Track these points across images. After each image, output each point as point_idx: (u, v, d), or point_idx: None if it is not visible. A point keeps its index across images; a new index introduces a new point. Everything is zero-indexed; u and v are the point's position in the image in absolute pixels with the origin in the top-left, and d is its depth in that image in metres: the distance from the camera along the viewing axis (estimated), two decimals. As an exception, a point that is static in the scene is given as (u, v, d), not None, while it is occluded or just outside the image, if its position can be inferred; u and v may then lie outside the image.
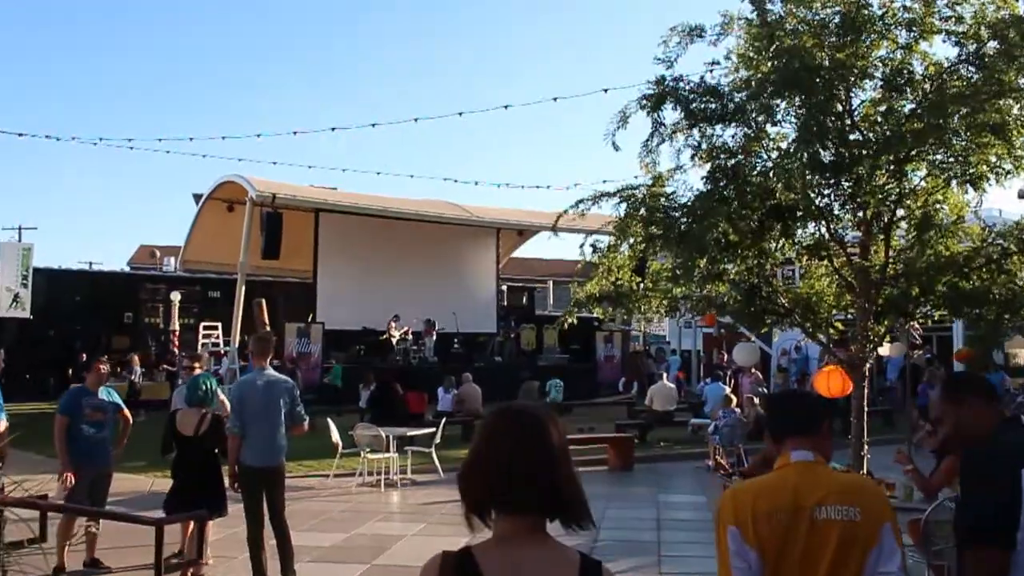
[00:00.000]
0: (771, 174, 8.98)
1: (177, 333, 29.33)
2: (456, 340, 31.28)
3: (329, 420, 15.32)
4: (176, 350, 28.81)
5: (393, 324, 29.12)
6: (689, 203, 9.20)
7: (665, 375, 20.71)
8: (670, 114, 10.09)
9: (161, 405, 23.23)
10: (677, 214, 9.29)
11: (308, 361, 26.64)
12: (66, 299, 29.88)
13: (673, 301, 10.51)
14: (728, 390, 19.69)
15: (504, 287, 36.06)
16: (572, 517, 2.17)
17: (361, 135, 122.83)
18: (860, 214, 10.02)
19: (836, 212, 9.88)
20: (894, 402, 24.53)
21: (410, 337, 29.35)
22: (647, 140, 10.23)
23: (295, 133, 24.05)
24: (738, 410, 16.12)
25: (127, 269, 40.71)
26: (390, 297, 29.50)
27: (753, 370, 20.66)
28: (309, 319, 28.68)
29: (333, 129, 20.64)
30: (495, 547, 2.14)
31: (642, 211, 10.51)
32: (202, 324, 27.94)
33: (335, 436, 14.83)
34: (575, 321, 13.28)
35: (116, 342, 29.53)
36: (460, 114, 18.02)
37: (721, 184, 8.84)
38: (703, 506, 12.89)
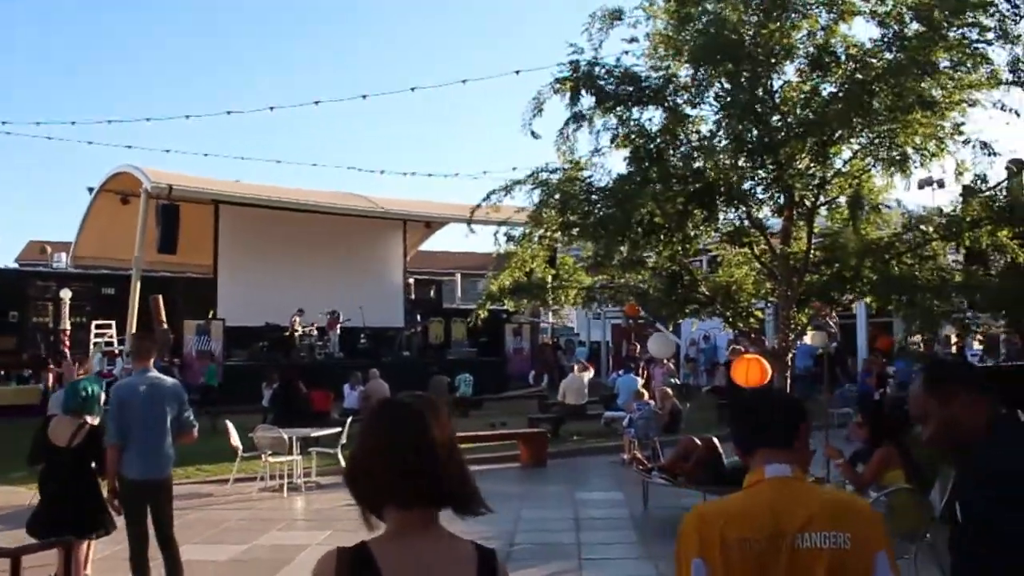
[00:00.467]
0: (695, 153, 8.49)
1: (68, 333, 27.83)
2: (363, 335, 30.41)
3: (228, 422, 14.44)
4: (67, 351, 27.36)
5: (297, 319, 28.15)
6: (609, 186, 8.65)
7: (576, 367, 20.18)
8: (586, 99, 9.57)
9: (30, 412, 21.99)
10: (596, 198, 8.74)
11: (209, 359, 25.50)
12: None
13: (589, 291, 9.97)
14: (641, 382, 19.36)
15: (411, 280, 35.27)
16: (463, 506, 2.17)
17: (260, 121, 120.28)
18: (782, 199, 9.60)
19: (759, 196, 9.45)
20: (803, 391, 24.49)
21: (315, 332, 28.42)
22: (563, 127, 9.70)
23: (187, 117, 22.82)
24: (652, 402, 15.71)
25: (15, 266, 38.56)
26: (294, 292, 28.51)
27: (666, 361, 20.33)
28: (209, 316, 27.50)
29: (229, 113, 19.44)
30: (390, 541, 2.11)
31: (557, 197, 9.95)
32: (94, 323, 26.55)
33: (234, 439, 13.96)
34: (486, 314, 12.67)
35: (0, 343, 27.87)
36: (364, 96, 16.87)
37: (645, 165, 8.31)
38: (620, 503, 12.40)
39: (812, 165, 9.22)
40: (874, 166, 9.29)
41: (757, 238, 10.22)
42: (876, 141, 8.83)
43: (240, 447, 13.88)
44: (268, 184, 29.08)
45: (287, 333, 28.30)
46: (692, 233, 9.06)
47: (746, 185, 9.22)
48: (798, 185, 9.04)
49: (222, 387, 25.10)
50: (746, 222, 9.98)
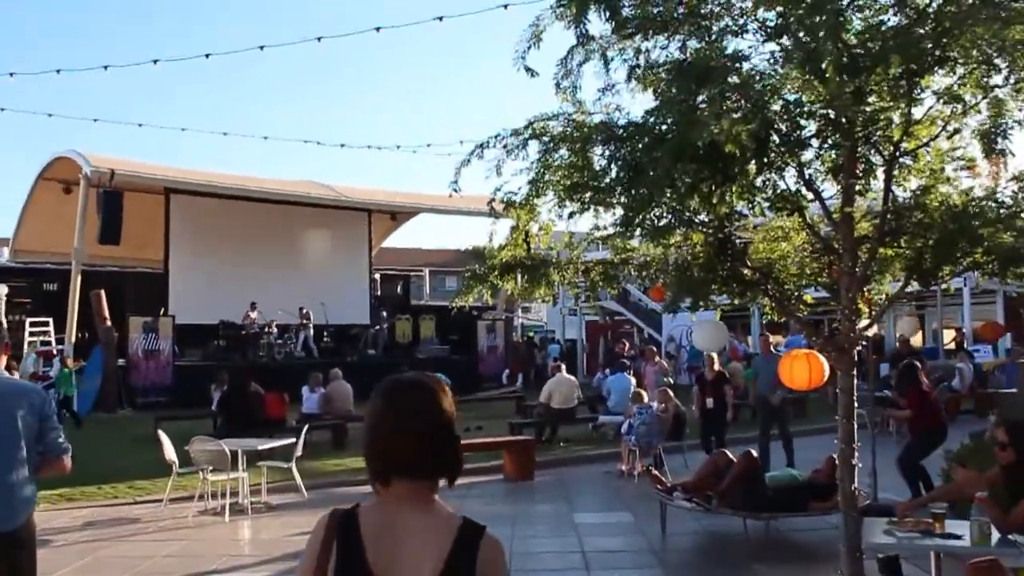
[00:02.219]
0: (757, 82, 6.20)
1: (27, 332, 25.17)
2: (326, 333, 27.99)
3: (160, 432, 11.98)
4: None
5: (252, 313, 25.64)
6: (641, 121, 6.30)
7: (563, 367, 17.83)
8: (598, 24, 7.20)
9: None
10: (624, 135, 6.41)
11: (158, 359, 22.93)
12: None
13: (608, 269, 7.59)
14: (634, 383, 17.11)
15: (377, 276, 32.82)
16: (453, 479, 2.23)
17: (201, 88, 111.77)
18: (854, 147, 7.28)
19: (821, 145, 7.14)
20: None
21: (274, 331, 25.92)
22: (566, 56, 7.34)
23: (106, 68, 20.01)
24: (655, 405, 13.45)
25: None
26: (252, 288, 26.04)
27: (658, 358, 18.06)
28: (161, 312, 24.92)
29: (155, 62, 16.74)
30: (380, 507, 2.20)
31: (562, 152, 7.60)
32: (29, 320, 23.87)
33: (168, 452, 11.51)
34: (467, 305, 10.18)
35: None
36: (319, 39, 14.59)
37: (693, 87, 5.97)
38: (632, 528, 10.10)
39: (895, 101, 6.90)
40: (971, 109, 6.98)
41: (807, 203, 7.85)
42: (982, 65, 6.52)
43: (175, 461, 11.45)
44: (221, 172, 26.48)
45: (244, 331, 25.83)
46: (757, 181, 6.74)
47: (809, 130, 6.91)
48: (883, 125, 6.75)
49: (171, 389, 22.59)
50: (797, 184, 7.62)
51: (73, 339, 22.56)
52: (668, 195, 6.08)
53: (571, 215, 8.14)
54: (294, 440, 12.12)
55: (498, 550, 2.19)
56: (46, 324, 23.73)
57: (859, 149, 7.30)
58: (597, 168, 7.65)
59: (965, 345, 23.97)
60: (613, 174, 7.25)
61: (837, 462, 8.93)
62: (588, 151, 7.36)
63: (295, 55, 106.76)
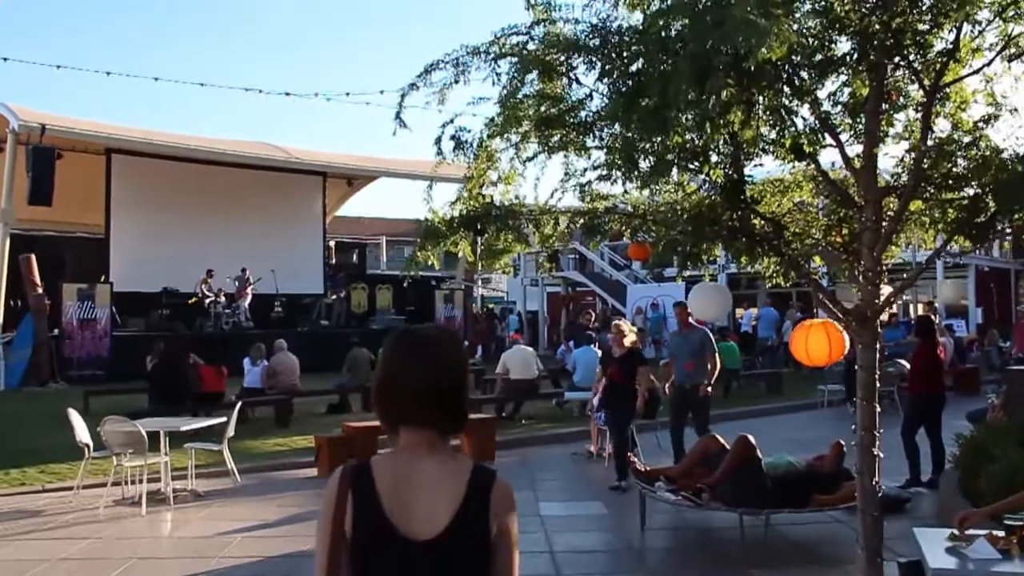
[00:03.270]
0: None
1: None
2: (277, 303, 26.37)
3: (70, 410, 10.43)
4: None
5: (207, 282, 23.99)
6: (650, 25, 4.84)
7: (521, 338, 16.40)
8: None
9: None
10: (621, 42, 4.98)
11: (94, 328, 21.24)
12: None
13: (590, 219, 6.16)
14: (601, 355, 15.81)
15: (332, 243, 31.21)
16: (459, 429, 2.26)
17: (129, 23, 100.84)
18: (882, 76, 5.93)
19: (852, 68, 5.79)
20: (776, 363, 21.19)
21: (222, 299, 24.31)
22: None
23: None
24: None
25: None
26: (199, 254, 24.47)
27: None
28: (103, 279, 23.21)
29: None
30: (392, 457, 2.20)
31: (531, 77, 6.18)
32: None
33: (80, 433, 10.00)
34: (418, 274, 8.71)
35: None
36: None
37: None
38: (606, 522, 8.79)
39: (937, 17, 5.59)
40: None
41: (821, 147, 6.49)
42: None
43: (89, 444, 9.95)
44: (165, 130, 24.69)
45: (192, 299, 24.19)
46: (792, 104, 5.35)
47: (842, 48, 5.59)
48: (922, 42, 5.45)
49: (108, 362, 20.95)
50: (811, 123, 6.25)
51: (1, 307, 20.82)
52: (685, 120, 4.63)
53: (533, 158, 6.75)
54: (224, 419, 10.62)
55: (510, 494, 2.21)
56: (-29, 291, 21.90)
57: (892, 78, 6.00)
58: (575, 98, 6.28)
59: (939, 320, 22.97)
60: (596, 101, 5.89)
61: (846, 450, 7.72)
62: (568, 72, 5.98)
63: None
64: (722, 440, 7.90)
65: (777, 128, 5.40)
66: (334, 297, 27.49)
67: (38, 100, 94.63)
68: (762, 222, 6.04)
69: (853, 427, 6.45)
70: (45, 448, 12.45)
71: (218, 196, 25.87)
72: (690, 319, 11.50)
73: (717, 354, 11.29)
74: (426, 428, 2.18)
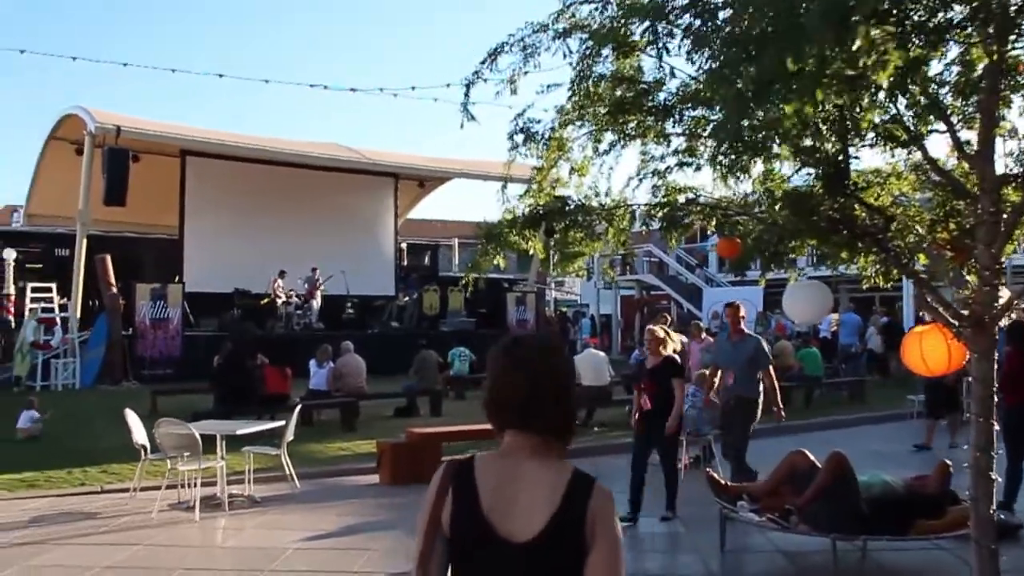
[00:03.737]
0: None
1: (12, 298, 23.55)
2: (349, 304, 26.12)
3: (127, 411, 10.09)
4: (10, 317, 23.10)
5: (279, 283, 23.81)
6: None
7: (595, 342, 15.71)
8: None
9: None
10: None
11: (166, 328, 21.16)
12: None
13: (671, 211, 5.48)
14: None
15: (403, 245, 30.90)
16: (566, 436, 2.29)
17: (197, 20, 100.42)
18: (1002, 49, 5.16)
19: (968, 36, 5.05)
20: (859, 371, 20.17)
21: (294, 300, 24.12)
22: None
23: None
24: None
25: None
26: (271, 256, 24.20)
27: (705, 335, 15.94)
28: (176, 280, 23.18)
29: None
30: (495, 458, 2.24)
31: (608, 55, 5.64)
32: (31, 286, 22.15)
33: (137, 434, 9.67)
34: (481, 282, 8.18)
35: (-65, 310, 23.44)
36: None
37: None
38: (683, 542, 8.13)
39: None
40: None
41: (925, 133, 5.74)
42: None
43: (146, 445, 9.61)
44: (238, 132, 24.60)
45: (264, 300, 24.03)
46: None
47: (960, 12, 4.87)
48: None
49: (180, 361, 20.84)
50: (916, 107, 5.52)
51: (79, 306, 20.87)
52: (826, 81, 3.89)
53: (609, 150, 6.13)
54: (283, 423, 10.19)
55: (609, 500, 2.21)
56: (49, 290, 22.00)
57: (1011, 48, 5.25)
58: (654, 78, 5.68)
59: None
60: (676, 81, 5.28)
61: (952, 471, 6.93)
62: (655, 43, 5.32)
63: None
64: (811, 457, 7.17)
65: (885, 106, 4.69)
66: (405, 299, 27.12)
67: (104, 100, 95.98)
68: (865, 213, 5.32)
69: (956, 444, 5.68)
70: (110, 448, 12.20)
71: (290, 197, 25.69)
72: (743, 324, 9.82)
73: (772, 368, 9.37)
74: (529, 433, 2.22)
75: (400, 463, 10.54)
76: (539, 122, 6.14)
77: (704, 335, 15.95)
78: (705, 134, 4.77)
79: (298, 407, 10.79)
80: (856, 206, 5.22)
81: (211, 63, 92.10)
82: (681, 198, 5.52)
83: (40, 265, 25.47)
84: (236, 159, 24.64)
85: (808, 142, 4.78)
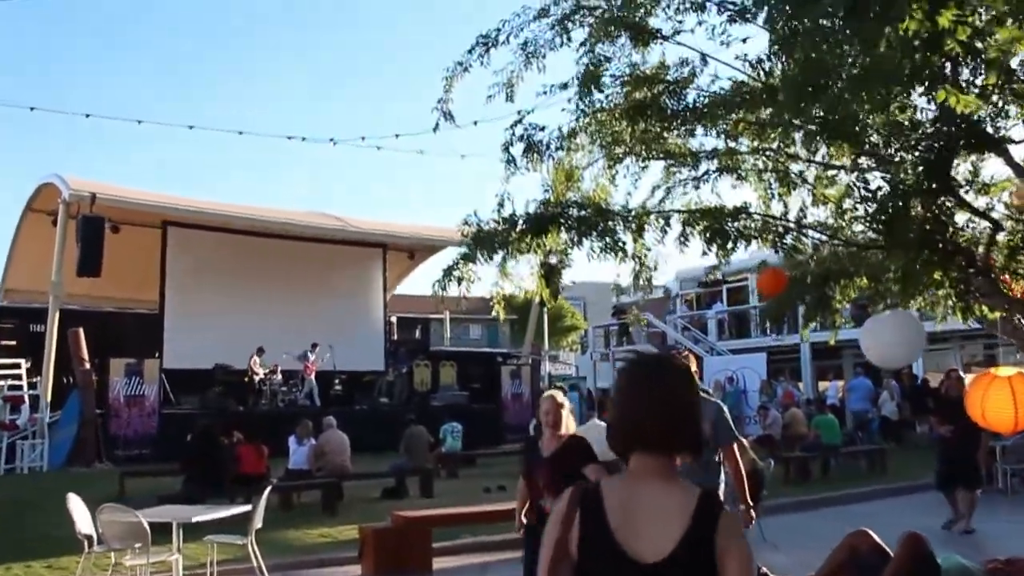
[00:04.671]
0: None
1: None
2: (337, 380, 24.83)
3: (71, 495, 8.73)
4: (-20, 397, 21.68)
5: (256, 360, 22.56)
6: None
7: (596, 413, 14.38)
8: None
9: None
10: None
11: (142, 406, 19.81)
12: None
13: (714, 221, 4.30)
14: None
15: (393, 318, 29.69)
16: (695, 453, 2.26)
17: (166, 71, 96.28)
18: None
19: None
20: (873, 439, 18.87)
21: (278, 376, 22.81)
22: None
23: None
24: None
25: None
26: (255, 330, 23.02)
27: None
28: (155, 355, 21.87)
29: None
30: (622, 482, 2.23)
31: (624, 42, 4.55)
32: (-2, 362, 20.84)
33: (80, 522, 8.32)
34: (462, 302, 6.97)
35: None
36: None
37: None
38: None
39: None
40: None
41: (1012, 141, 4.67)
42: None
43: (93, 535, 8.25)
44: (216, 200, 23.55)
45: (246, 377, 22.75)
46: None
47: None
48: None
49: (157, 440, 19.44)
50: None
51: (50, 383, 19.54)
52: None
53: (622, 159, 5.04)
54: (250, 507, 8.85)
55: (737, 522, 2.22)
56: (16, 366, 20.67)
57: None
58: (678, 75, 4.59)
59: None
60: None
61: None
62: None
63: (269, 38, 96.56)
64: (876, 537, 5.89)
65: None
66: (395, 374, 25.85)
67: (70, 159, 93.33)
68: (967, 217, 4.17)
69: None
70: (63, 538, 10.73)
71: (275, 268, 24.58)
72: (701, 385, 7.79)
73: (737, 444, 6.31)
74: (656, 454, 2.20)
75: (385, 551, 9.20)
76: (543, 129, 5.02)
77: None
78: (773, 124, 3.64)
79: (267, 489, 9.42)
80: (954, 210, 4.05)
81: (182, 115, 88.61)
82: (730, 206, 4.39)
83: (13, 342, 24.12)
84: (218, 229, 23.55)
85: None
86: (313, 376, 23.46)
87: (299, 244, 24.81)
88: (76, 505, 8.46)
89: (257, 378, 22.52)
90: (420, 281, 34.11)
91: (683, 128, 4.66)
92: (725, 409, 6.23)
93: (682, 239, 4.37)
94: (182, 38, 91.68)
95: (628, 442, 2.22)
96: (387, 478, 14.59)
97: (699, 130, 4.60)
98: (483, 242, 4.70)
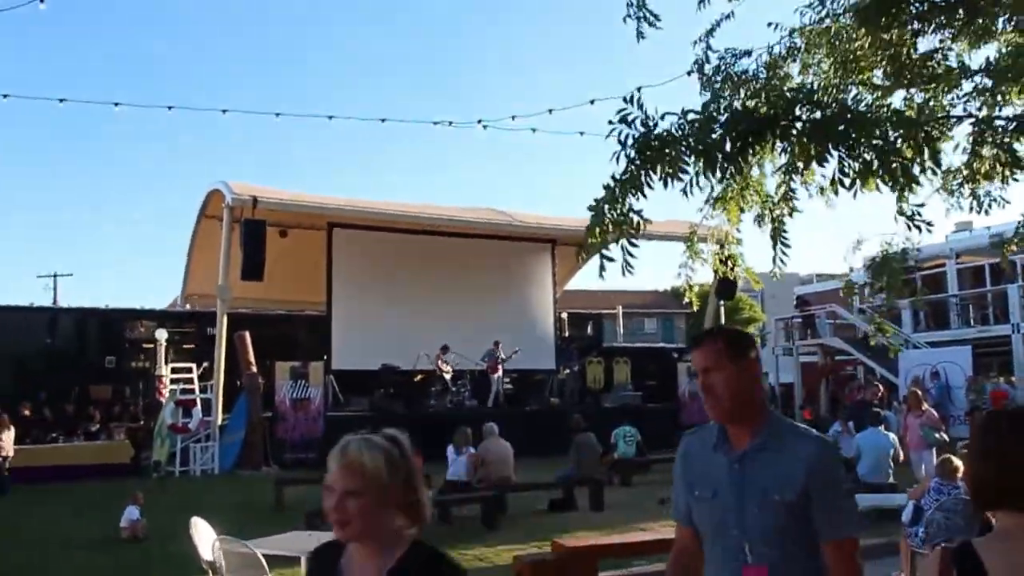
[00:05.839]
0: None
1: (164, 380, 22.29)
2: (508, 380, 23.75)
3: (196, 519, 7.74)
4: (162, 400, 21.82)
5: (441, 357, 21.77)
6: None
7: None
8: None
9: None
10: None
11: (307, 409, 19.26)
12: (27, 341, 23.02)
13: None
14: (895, 440, 11.90)
15: (563, 315, 28.40)
16: None
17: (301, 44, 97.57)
18: None
19: None
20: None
21: (448, 374, 21.94)
22: None
23: None
24: (962, 484, 8.16)
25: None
26: (420, 330, 22.19)
27: (926, 406, 12.62)
28: (323, 358, 21.41)
29: None
30: (997, 542, 2.03)
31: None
32: (170, 366, 20.79)
33: (203, 550, 7.32)
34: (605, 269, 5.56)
35: (94, 392, 22.39)
36: None
37: None
38: None
39: None
40: None
41: None
42: None
43: (215, 562, 7.24)
44: (382, 200, 22.84)
45: (419, 376, 22.05)
46: None
47: None
48: None
49: (322, 444, 18.82)
50: None
51: (221, 387, 19.29)
52: None
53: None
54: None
55: None
56: (189, 370, 20.58)
57: None
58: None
59: None
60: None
61: None
62: None
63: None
64: None
65: None
66: (567, 373, 24.54)
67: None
68: None
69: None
70: (156, 559, 10.00)
71: (441, 266, 23.74)
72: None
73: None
74: None
75: (544, 586, 7.80)
76: (748, 54, 3.51)
77: (925, 406, 12.63)
78: None
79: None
80: None
81: (318, 106, 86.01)
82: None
83: (193, 345, 24.30)
84: (383, 229, 22.91)
85: None
86: (500, 375, 22.52)
87: (465, 241, 23.89)
88: (201, 530, 7.49)
89: (448, 376, 21.77)
90: (590, 278, 32.56)
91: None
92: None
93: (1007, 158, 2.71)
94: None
95: (1000, 498, 2.01)
96: (554, 488, 13.24)
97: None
98: (653, 150, 3.20)
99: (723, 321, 36.21)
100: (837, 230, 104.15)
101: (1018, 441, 2.02)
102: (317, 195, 22.12)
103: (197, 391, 19.86)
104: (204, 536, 7.44)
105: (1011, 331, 23.04)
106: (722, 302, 31.00)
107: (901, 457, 11.88)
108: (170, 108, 18.06)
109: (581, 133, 30.63)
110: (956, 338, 24.63)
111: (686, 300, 5.65)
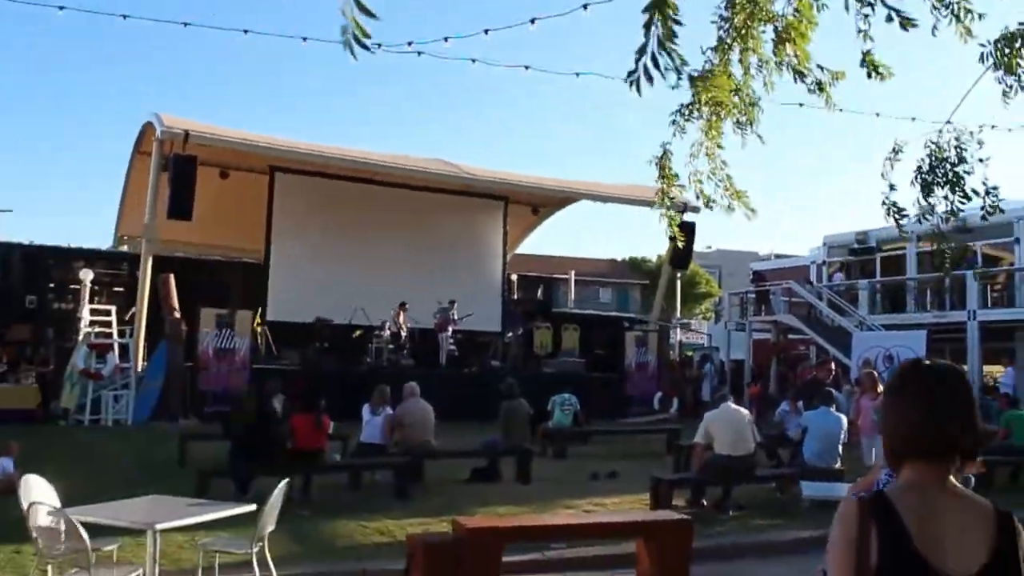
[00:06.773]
0: None
1: (85, 322, 20.82)
2: (452, 340, 22.53)
3: (26, 477, 6.42)
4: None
5: (402, 314, 20.55)
6: None
7: (731, 398, 11.28)
8: None
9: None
10: None
11: (231, 360, 17.94)
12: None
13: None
14: (844, 421, 10.93)
15: (513, 277, 27.20)
16: (971, 458, 2.11)
17: None
18: None
19: None
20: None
21: (386, 333, 20.68)
22: None
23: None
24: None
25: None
26: (357, 285, 21.00)
27: (880, 388, 11.62)
28: (251, 307, 19.99)
29: None
30: (907, 491, 2.06)
31: None
32: (87, 308, 19.33)
33: (35, 514, 6.05)
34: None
35: (13, 332, 20.83)
36: None
37: None
38: None
39: None
40: None
41: None
42: None
43: (32, 532, 5.97)
44: (327, 144, 21.38)
45: (356, 332, 20.81)
46: None
47: None
48: None
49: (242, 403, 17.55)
50: None
51: (142, 333, 17.90)
52: None
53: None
54: (253, 506, 6.39)
55: None
56: (107, 313, 19.15)
57: None
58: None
59: None
60: None
61: None
62: None
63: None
64: None
65: None
66: (512, 336, 23.37)
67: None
68: None
69: None
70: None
71: (387, 219, 22.48)
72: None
73: None
74: (937, 463, 2.06)
75: (439, 570, 6.65)
76: None
77: (880, 387, 11.61)
78: None
79: (282, 483, 6.87)
80: None
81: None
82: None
83: (123, 289, 22.77)
84: (328, 175, 21.53)
85: None
86: (448, 334, 21.34)
87: (412, 193, 22.60)
88: (32, 490, 6.20)
89: (404, 334, 20.59)
90: (543, 240, 31.31)
91: None
92: None
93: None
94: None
95: (905, 450, 2.07)
96: (477, 458, 12.11)
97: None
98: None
99: (678, 294, 35.15)
100: (804, 218, 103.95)
101: (945, 392, 2.05)
102: (255, 133, 20.60)
103: (115, 335, 18.43)
104: (34, 498, 6.18)
105: (967, 317, 22.26)
106: (679, 273, 29.90)
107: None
108: (125, 17, 16.45)
109: (577, 74, 28.54)
110: (912, 322, 23.85)
111: (667, 234, 5.39)
